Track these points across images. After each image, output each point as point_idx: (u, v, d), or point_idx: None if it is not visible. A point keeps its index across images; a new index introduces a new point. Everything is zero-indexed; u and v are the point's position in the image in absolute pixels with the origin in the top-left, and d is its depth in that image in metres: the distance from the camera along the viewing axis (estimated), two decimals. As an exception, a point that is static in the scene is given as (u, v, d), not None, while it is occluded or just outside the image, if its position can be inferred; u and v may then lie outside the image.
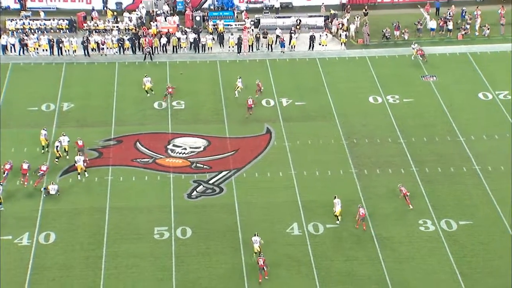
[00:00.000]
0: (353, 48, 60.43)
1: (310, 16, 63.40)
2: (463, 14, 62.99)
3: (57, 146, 46.23)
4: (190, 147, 48.21)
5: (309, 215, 42.00)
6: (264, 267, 37.64)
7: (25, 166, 44.19)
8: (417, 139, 48.82)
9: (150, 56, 58.28)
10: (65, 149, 46.54)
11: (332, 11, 63.98)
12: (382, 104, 52.92)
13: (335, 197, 41.63)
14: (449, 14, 62.86)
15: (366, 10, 64.02)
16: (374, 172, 45.56)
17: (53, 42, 58.45)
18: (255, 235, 39.20)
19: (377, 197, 43.55)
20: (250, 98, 51.32)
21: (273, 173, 45.60)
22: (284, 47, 59.77)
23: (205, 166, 46.44)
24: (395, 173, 44.83)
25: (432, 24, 62.16)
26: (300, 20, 62.43)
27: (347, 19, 62.67)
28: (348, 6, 64.43)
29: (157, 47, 59.18)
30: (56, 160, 45.97)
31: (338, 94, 53.98)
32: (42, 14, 62.64)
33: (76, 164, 45.14)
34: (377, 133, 49.46)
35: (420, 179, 45.03)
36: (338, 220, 41.30)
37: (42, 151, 46.75)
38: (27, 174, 44.20)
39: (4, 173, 44.01)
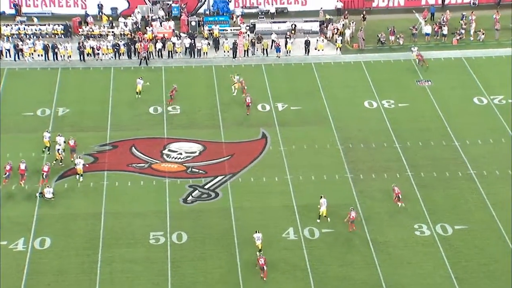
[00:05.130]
0: (349, 53, 60.61)
1: (306, 21, 63.57)
2: (463, 18, 63.12)
3: (58, 149, 46.39)
4: (186, 152, 48.25)
5: (304, 219, 42.03)
6: (264, 267, 37.75)
7: (22, 166, 44.54)
8: (413, 143, 48.92)
9: (146, 61, 58.39)
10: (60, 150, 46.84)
11: (328, 16, 64.22)
12: (378, 108, 53.05)
13: (321, 197, 41.92)
14: (443, 19, 63.10)
15: (364, 16, 64.16)
16: (370, 177, 45.64)
17: (48, 47, 58.50)
18: (256, 232, 39.43)
19: (373, 201, 43.60)
20: (248, 96, 51.89)
21: (269, 178, 45.66)
22: (280, 52, 59.93)
23: (200, 171, 46.47)
24: (390, 177, 44.89)
25: (427, 29, 62.40)
26: (295, 25, 62.62)
27: (343, 24, 62.89)
28: (346, 12, 64.59)
29: (152, 52, 59.30)
30: (61, 163, 46.01)
31: (333, 98, 54.09)
32: (35, 19, 62.65)
33: (76, 167, 45.28)
34: (373, 137, 49.56)
35: (416, 183, 45.12)
36: (327, 219, 41.61)
37: (43, 152, 46.96)
38: (25, 175, 44.45)
39: (5, 174, 44.24)
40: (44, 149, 47.35)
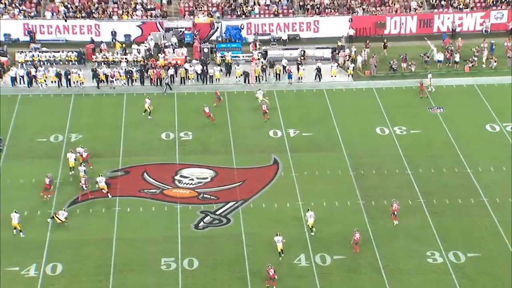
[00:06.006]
0: (360, 80, 60.91)
1: (318, 48, 64.02)
2: (492, 47, 63.26)
3: (84, 170, 46.91)
4: (198, 178, 48.43)
5: (316, 246, 42.02)
6: (276, 277, 38.07)
7: (47, 181, 45.28)
8: (425, 170, 48.93)
9: (170, 87, 58.68)
10: (71, 168, 47.83)
11: (340, 43, 64.63)
12: (389, 135, 53.17)
13: (308, 210, 42.77)
14: (451, 48, 63.34)
15: (385, 43, 64.55)
16: (382, 203, 45.59)
17: (61, 74, 59.07)
18: (277, 235, 40.34)
19: (385, 228, 43.54)
20: (264, 104, 54.15)
21: (281, 204, 45.73)
22: (291, 78, 60.29)
23: (212, 197, 46.61)
24: (402, 204, 44.79)
25: (439, 56, 62.66)
26: (304, 51, 63.02)
27: (355, 51, 63.24)
28: (367, 41, 64.78)
29: (164, 79, 59.72)
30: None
31: (345, 125, 54.30)
32: (43, 48, 63.17)
33: (98, 185, 45.96)
34: (385, 164, 49.61)
35: (428, 210, 45.05)
36: (312, 231, 42.67)
37: (70, 172, 48.03)
38: (50, 189, 45.34)
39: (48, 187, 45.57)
40: (71, 170, 48.13)
